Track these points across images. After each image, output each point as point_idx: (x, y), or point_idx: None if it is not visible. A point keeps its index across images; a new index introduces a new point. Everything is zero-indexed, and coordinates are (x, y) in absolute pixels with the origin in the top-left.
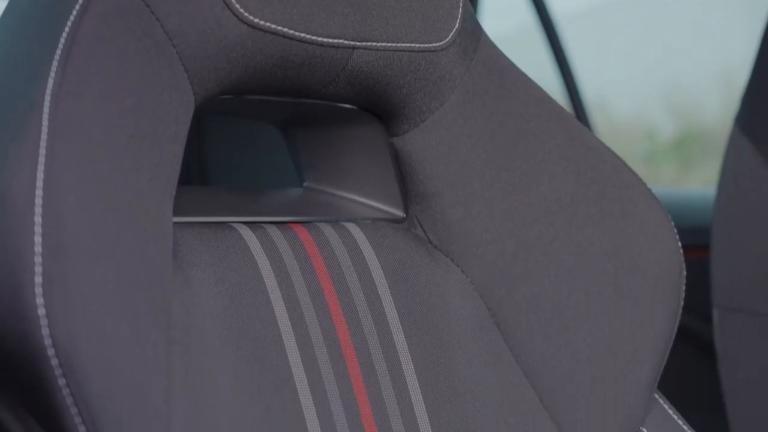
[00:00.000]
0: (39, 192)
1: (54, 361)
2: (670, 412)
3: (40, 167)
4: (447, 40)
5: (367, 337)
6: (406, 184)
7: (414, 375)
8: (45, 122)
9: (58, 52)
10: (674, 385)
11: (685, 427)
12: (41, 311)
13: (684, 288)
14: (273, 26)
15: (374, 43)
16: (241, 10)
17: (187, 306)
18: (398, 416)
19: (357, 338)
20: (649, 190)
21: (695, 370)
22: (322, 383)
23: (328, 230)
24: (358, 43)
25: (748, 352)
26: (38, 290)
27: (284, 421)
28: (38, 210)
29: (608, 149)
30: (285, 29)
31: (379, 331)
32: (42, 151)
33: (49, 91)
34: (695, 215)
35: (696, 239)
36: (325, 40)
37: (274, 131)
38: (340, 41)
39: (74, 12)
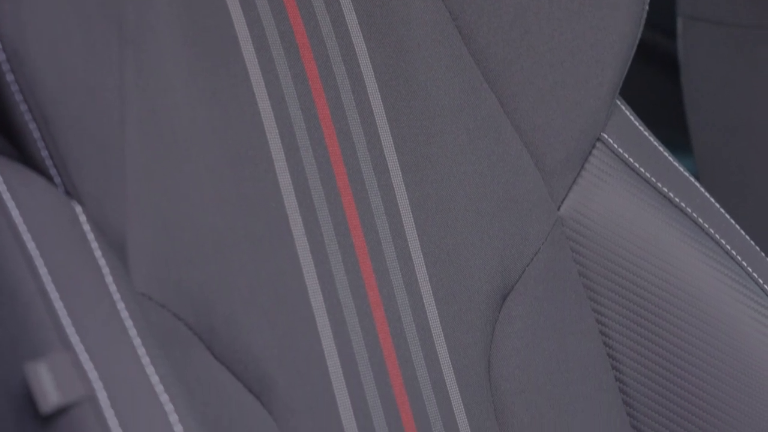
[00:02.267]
0: None
1: (1, 56)
2: (632, 118)
3: None
4: None
5: (326, 40)
6: None
7: (373, 77)
8: None
9: None
10: (637, 101)
11: (647, 134)
12: None
13: None
14: None
15: None
16: None
17: (140, 5)
18: (357, 118)
19: (315, 40)
20: None
21: (659, 86)
22: (279, 85)
23: None
24: None
25: (711, 61)
26: None
27: (241, 123)
28: None
29: None
30: None
31: (337, 34)
32: None
33: None
34: None
35: None
36: None
37: None
38: None
39: None
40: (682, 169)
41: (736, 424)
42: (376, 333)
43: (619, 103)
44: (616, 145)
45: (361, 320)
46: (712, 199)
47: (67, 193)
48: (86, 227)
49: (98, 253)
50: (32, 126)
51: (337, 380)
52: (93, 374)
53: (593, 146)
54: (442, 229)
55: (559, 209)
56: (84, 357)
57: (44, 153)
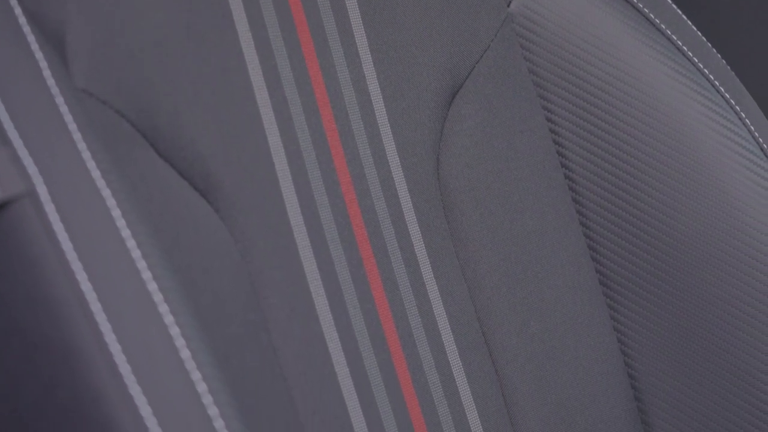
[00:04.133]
0: None
1: None
2: None
3: None
4: None
5: None
6: None
7: None
8: None
9: None
10: None
11: None
12: None
13: None
14: None
15: None
16: None
17: None
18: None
19: None
20: None
21: None
22: None
23: None
24: None
25: None
26: None
27: None
28: None
29: None
30: None
31: None
32: None
33: None
34: None
35: None
36: None
37: None
38: None
39: None
40: None
41: (681, 218)
42: (323, 130)
43: None
44: None
45: (307, 118)
46: None
47: None
48: (22, 20)
49: (35, 47)
50: None
51: (284, 178)
52: (32, 169)
53: None
54: (390, 25)
55: (509, 6)
56: (23, 152)
57: None
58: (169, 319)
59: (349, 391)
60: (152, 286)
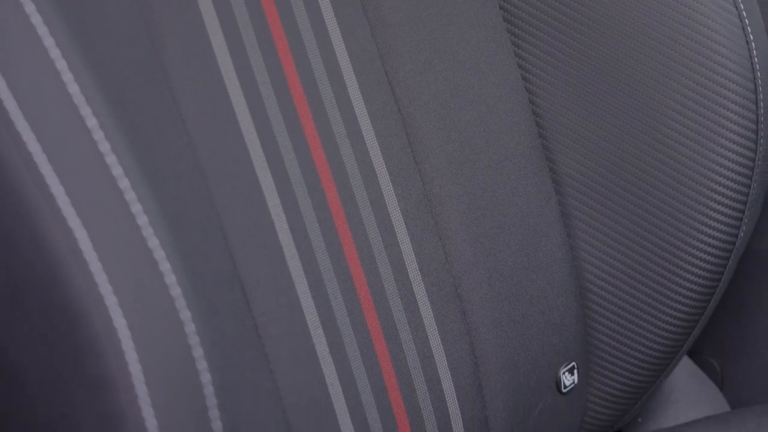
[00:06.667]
0: None
1: None
2: None
3: None
4: None
5: None
6: None
7: None
8: None
9: None
10: None
11: None
12: None
13: None
14: None
15: None
16: None
17: None
18: None
19: None
20: None
21: None
22: None
23: None
24: None
25: None
26: None
27: None
28: None
29: None
30: None
31: None
32: None
33: None
34: None
35: None
36: None
37: None
38: None
39: None
40: None
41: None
42: None
43: None
44: None
45: None
46: None
47: None
48: None
49: None
50: None
51: None
52: None
53: None
54: None
55: None
56: None
57: None
58: (61, 64)
59: (252, 142)
60: (42, 31)
